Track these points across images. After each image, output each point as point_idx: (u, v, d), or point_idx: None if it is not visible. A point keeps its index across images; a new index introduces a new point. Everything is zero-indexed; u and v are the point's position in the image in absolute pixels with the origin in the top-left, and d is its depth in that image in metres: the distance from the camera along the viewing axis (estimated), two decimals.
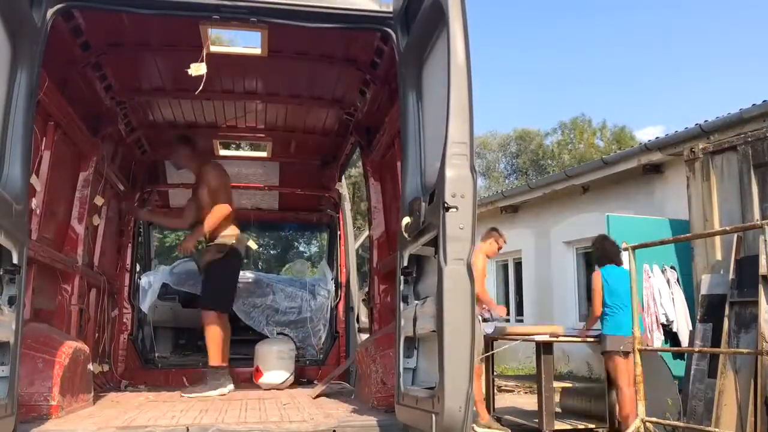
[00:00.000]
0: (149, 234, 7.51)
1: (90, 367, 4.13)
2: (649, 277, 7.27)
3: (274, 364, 5.37)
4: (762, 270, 5.22)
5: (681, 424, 5.63)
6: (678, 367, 6.47)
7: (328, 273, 7.46)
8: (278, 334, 5.73)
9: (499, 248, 7.15)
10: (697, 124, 8.31)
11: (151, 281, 6.78)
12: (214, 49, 4.08)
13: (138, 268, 6.81)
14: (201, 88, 3.96)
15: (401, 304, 3.61)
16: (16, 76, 3.08)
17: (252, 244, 6.15)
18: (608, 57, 51.69)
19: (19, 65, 3.09)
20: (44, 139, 4.20)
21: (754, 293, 5.29)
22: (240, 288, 6.90)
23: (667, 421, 5.92)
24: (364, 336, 5.65)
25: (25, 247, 3.03)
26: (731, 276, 5.65)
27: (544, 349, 6.35)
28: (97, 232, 5.44)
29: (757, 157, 5.77)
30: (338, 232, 6.99)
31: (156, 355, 6.44)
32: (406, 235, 3.42)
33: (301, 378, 5.79)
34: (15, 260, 2.93)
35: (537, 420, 6.34)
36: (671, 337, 7.13)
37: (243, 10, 3.60)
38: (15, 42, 3.07)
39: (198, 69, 3.92)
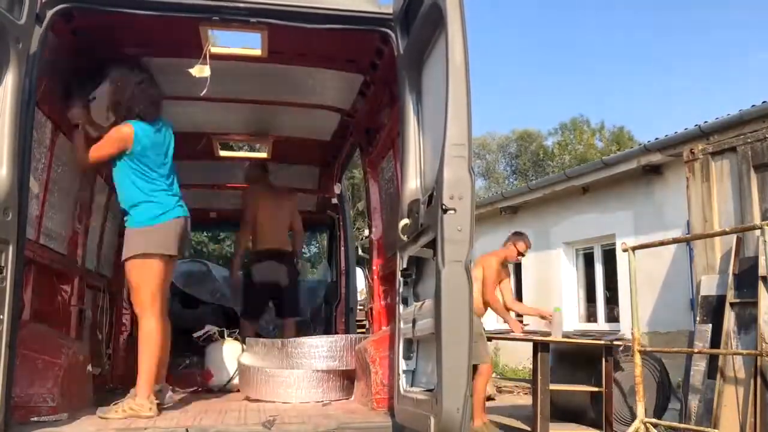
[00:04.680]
0: None
1: (89, 368, 4.13)
2: None
3: (222, 365, 5.33)
4: (762, 271, 5.22)
5: (681, 425, 5.63)
6: None
7: (327, 274, 7.46)
8: (229, 335, 5.61)
9: (519, 253, 6.83)
10: (696, 125, 8.31)
11: None
12: (214, 50, 4.08)
13: None
14: (205, 90, 3.97)
15: (400, 306, 3.62)
16: (14, 78, 3.08)
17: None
18: (611, 56, 51.74)
19: (17, 66, 3.09)
20: (43, 140, 4.20)
21: (753, 294, 5.29)
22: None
23: (667, 422, 5.93)
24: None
25: (11, 247, 3.00)
26: (731, 277, 5.64)
27: (541, 348, 6.33)
28: (96, 232, 5.45)
29: (757, 158, 5.77)
30: (338, 233, 6.99)
31: None
32: (404, 236, 3.43)
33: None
34: (1, 261, 2.93)
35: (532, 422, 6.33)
36: None
37: (243, 11, 3.60)
38: (12, 42, 3.07)
39: (201, 71, 3.92)
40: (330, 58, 4.73)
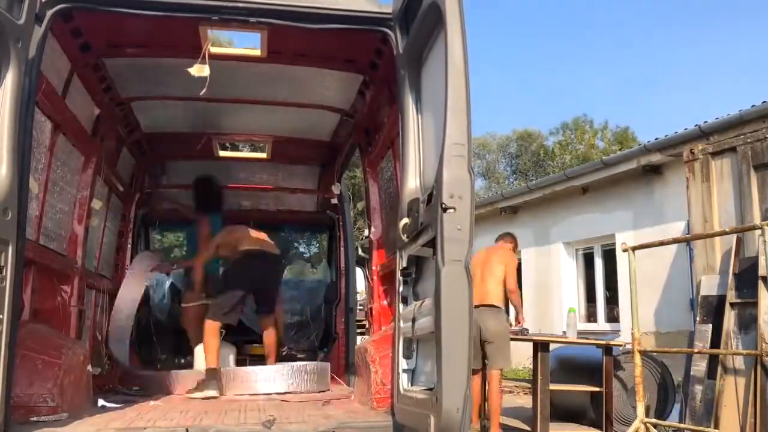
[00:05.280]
0: (149, 235, 7.52)
1: (89, 368, 4.13)
2: None
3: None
4: (762, 271, 5.21)
5: (681, 426, 5.63)
6: None
7: (327, 274, 7.45)
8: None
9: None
10: (696, 125, 8.32)
11: (162, 280, 6.79)
12: (213, 50, 4.08)
13: None
14: (203, 90, 3.97)
15: (400, 305, 3.62)
16: (14, 78, 3.08)
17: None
18: (612, 56, 51.73)
19: (17, 66, 3.09)
20: (43, 140, 4.20)
21: (753, 294, 5.29)
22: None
23: (667, 423, 5.93)
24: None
25: (11, 247, 3.00)
26: (731, 277, 5.64)
27: (542, 347, 6.33)
28: (96, 233, 5.45)
29: (757, 158, 5.77)
30: (338, 233, 6.99)
31: (156, 356, 6.43)
32: (404, 236, 3.42)
33: None
34: (1, 261, 2.93)
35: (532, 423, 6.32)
36: None
37: (242, 11, 3.60)
38: (12, 42, 3.07)
39: (200, 70, 3.92)
40: (330, 58, 4.73)
